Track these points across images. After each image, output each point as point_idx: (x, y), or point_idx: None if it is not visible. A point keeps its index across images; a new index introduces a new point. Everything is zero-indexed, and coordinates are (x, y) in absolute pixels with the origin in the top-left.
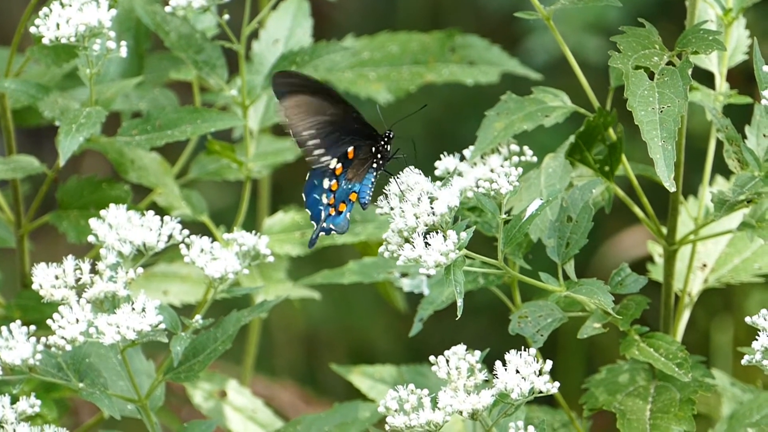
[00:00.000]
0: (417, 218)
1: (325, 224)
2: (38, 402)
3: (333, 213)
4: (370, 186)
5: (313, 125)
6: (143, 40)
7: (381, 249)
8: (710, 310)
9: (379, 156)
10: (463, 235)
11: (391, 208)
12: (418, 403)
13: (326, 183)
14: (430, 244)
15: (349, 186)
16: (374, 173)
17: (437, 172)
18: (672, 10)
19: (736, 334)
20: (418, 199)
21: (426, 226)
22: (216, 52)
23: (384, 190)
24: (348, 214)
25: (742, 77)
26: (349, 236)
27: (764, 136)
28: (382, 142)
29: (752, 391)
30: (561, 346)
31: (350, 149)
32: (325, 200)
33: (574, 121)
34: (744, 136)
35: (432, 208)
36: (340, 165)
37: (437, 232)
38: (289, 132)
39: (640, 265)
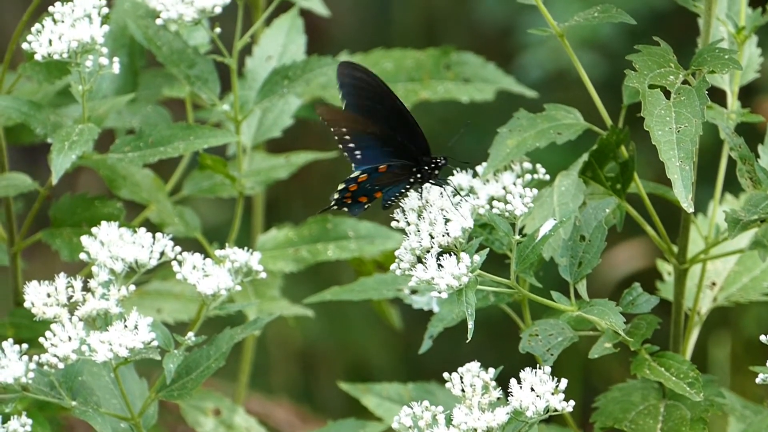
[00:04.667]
0: (432, 238)
1: (338, 201)
2: (29, 421)
3: (350, 201)
4: (398, 193)
5: (359, 131)
6: (138, 57)
7: (393, 266)
8: (707, 326)
9: (419, 176)
10: (477, 258)
11: (408, 224)
12: (432, 420)
13: (358, 171)
14: (443, 266)
15: (377, 187)
16: (408, 186)
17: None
18: (665, 25)
19: (734, 349)
20: (434, 218)
21: (440, 247)
22: (208, 66)
23: (401, 203)
24: (366, 206)
25: (743, 92)
26: (344, 252)
27: None
28: (428, 167)
29: (761, 412)
30: (557, 365)
31: (382, 166)
32: (346, 185)
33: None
34: (756, 155)
35: (447, 229)
36: (365, 174)
37: (450, 254)
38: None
39: (636, 280)
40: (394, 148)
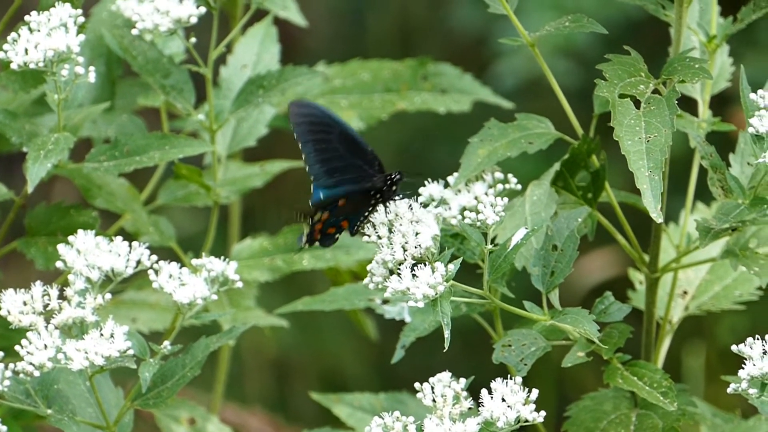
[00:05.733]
0: (405, 251)
1: (309, 240)
2: (4, 428)
3: (319, 237)
4: (362, 218)
5: (319, 154)
6: (115, 67)
7: (366, 281)
8: (681, 335)
9: (378, 196)
10: (451, 267)
11: (379, 237)
12: (403, 430)
13: (319, 213)
14: (417, 276)
15: (341, 217)
16: (371, 209)
17: (421, 199)
18: (640, 33)
19: (708, 358)
20: (405, 230)
21: (413, 258)
22: (183, 76)
23: (371, 218)
24: (337, 236)
25: (715, 101)
26: (319, 262)
27: (748, 164)
28: (385, 186)
29: (732, 420)
30: (530, 375)
31: (341, 200)
32: (311, 226)
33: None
34: (728, 164)
35: (418, 240)
36: (327, 212)
37: (425, 264)
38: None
39: (608, 288)
40: (352, 175)
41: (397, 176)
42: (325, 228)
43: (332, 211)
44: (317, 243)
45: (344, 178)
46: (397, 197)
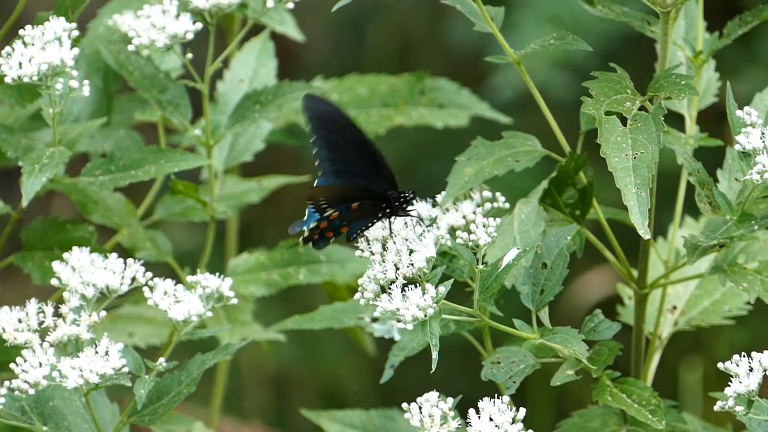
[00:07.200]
0: (396, 269)
1: (307, 237)
2: None
3: (317, 237)
4: (364, 227)
5: (330, 153)
6: (112, 81)
7: (357, 296)
8: (679, 350)
9: (387, 210)
10: (441, 288)
11: (372, 253)
12: None
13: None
14: (407, 297)
15: (345, 222)
16: (376, 220)
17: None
18: (638, 47)
19: (706, 373)
20: (399, 249)
21: (405, 278)
22: (180, 91)
23: (365, 234)
24: (332, 240)
25: (709, 117)
26: (315, 276)
27: (736, 179)
28: (397, 202)
29: None
30: (530, 391)
31: (354, 204)
32: (317, 222)
33: (541, 161)
34: (715, 180)
35: (411, 259)
36: (336, 212)
37: (416, 285)
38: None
39: (607, 305)
40: (364, 183)
41: (411, 195)
42: (326, 230)
43: (342, 213)
44: (311, 243)
45: (353, 181)
46: (404, 214)
